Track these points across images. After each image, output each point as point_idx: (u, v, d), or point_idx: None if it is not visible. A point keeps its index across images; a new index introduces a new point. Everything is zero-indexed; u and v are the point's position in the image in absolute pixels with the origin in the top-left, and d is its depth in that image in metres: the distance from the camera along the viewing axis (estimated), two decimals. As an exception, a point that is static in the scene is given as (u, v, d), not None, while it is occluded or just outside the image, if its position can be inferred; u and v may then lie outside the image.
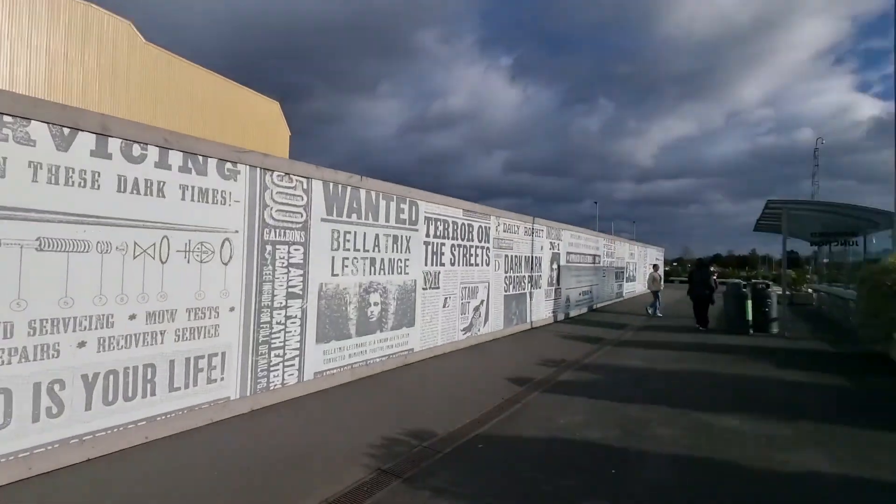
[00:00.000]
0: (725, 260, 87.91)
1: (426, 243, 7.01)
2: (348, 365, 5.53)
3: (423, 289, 6.95)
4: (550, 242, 11.60)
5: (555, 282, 11.80)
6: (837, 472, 3.36)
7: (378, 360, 6.00)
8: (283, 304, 4.72)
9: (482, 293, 8.55)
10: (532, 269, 10.53)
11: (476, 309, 8.36)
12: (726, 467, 3.42)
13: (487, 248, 8.77)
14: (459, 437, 3.87)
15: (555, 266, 11.83)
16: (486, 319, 8.70)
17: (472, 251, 8.27)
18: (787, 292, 9.37)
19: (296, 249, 4.86)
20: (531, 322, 10.46)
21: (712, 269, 15.90)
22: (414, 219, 6.75)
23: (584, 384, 5.78)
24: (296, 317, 4.86)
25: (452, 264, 7.67)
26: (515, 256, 9.81)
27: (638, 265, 22.43)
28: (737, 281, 11.45)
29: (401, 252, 6.47)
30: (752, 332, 9.97)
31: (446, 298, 7.48)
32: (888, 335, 7.18)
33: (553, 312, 11.69)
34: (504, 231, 9.40)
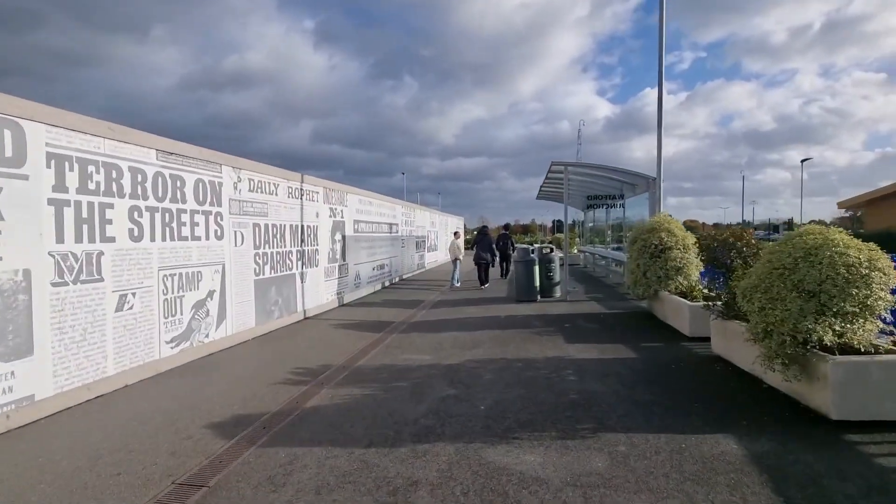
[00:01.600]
0: (513, 228, 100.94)
1: (57, 203, 3.88)
2: None
3: (56, 284, 3.85)
4: (331, 209, 9.33)
5: (339, 257, 9.65)
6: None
7: None
8: None
9: (210, 280, 5.76)
10: (303, 241, 8.11)
11: (199, 305, 5.56)
12: None
13: (219, 215, 5.96)
14: None
15: (338, 238, 9.66)
16: (222, 318, 5.98)
17: (186, 218, 5.37)
18: (565, 254, 9.23)
19: None
20: (304, 311, 8.11)
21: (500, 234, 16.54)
22: (14, 154, 3.54)
23: (337, 413, 3.77)
24: None
25: (137, 239, 4.68)
26: (274, 226, 7.22)
27: (439, 234, 22.17)
28: (524, 246, 11.28)
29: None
30: (539, 298, 9.76)
31: (123, 296, 4.50)
32: (655, 292, 7.29)
33: (338, 294, 9.58)
34: (252, 191, 6.68)
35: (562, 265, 10.20)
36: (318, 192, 8.76)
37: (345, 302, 9.88)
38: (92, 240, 4.19)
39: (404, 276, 15.18)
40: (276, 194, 7.30)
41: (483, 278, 12.27)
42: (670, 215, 8.03)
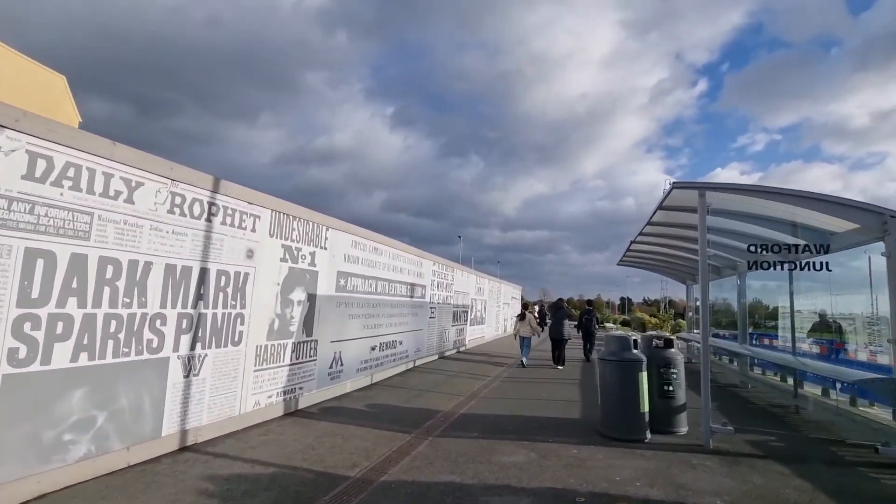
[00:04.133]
0: (576, 303, 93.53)
1: None
2: None
3: None
4: (286, 248, 5.64)
5: (297, 328, 5.78)
6: None
7: None
8: None
9: None
10: (200, 298, 4.37)
11: None
12: None
13: None
14: None
15: (299, 297, 5.85)
16: None
17: None
18: (704, 348, 4.65)
19: None
20: (182, 429, 4.15)
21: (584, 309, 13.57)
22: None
23: None
24: None
25: None
26: (104, 260, 3.56)
27: (488, 304, 17.87)
28: (621, 333, 6.82)
29: None
30: (649, 435, 5.10)
31: None
32: None
33: (285, 395, 5.58)
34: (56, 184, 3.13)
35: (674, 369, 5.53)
36: (257, 217, 5.14)
37: (300, 406, 5.83)
38: None
39: (432, 359, 10.94)
40: (129, 199, 3.72)
41: (558, 357, 10.95)
42: None
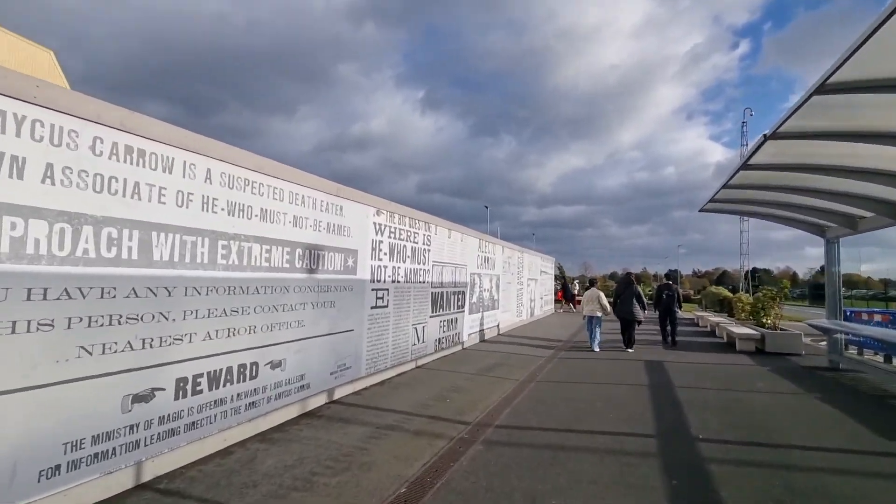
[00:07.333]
0: (620, 277, 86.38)
1: None
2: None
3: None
4: None
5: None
6: None
7: None
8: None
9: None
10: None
11: None
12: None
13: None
14: None
15: None
16: None
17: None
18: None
19: None
20: None
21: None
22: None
23: None
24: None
25: None
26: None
27: (503, 280, 12.89)
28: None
29: None
30: None
31: None
32: None
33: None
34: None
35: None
36: None
37: None
38: None
39: (377, 377, 6.29)
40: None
41: (628, 339, 10.03)
42: None
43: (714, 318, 15.29)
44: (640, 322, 9.86)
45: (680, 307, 11.44)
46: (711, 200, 7.75)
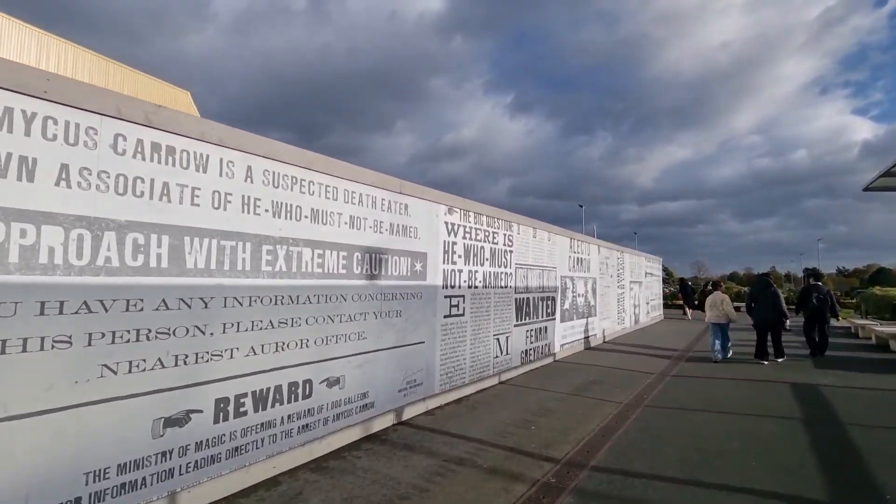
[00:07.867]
0: (743, 279, 76.16)
1: None
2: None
3: None
4: None
5: None
6: None
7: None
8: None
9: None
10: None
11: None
12: None
13: None
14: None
15: None
16: None
17: None
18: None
19: None
20: None
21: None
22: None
23: None
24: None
25: None
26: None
27: (600, 284, 11.48)
28: None
29: None
30: None
31: None
32: None
33: None
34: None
35: None
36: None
37: None
38: None
39: (453, 394, 5.63)
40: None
41: (769, 350, 8.71)
42: None
43: (886, 328, 12.13)
44: (787, 329, 8.77)
45: (836, 316, 9.18)
46: (887, 174, 5.84)
